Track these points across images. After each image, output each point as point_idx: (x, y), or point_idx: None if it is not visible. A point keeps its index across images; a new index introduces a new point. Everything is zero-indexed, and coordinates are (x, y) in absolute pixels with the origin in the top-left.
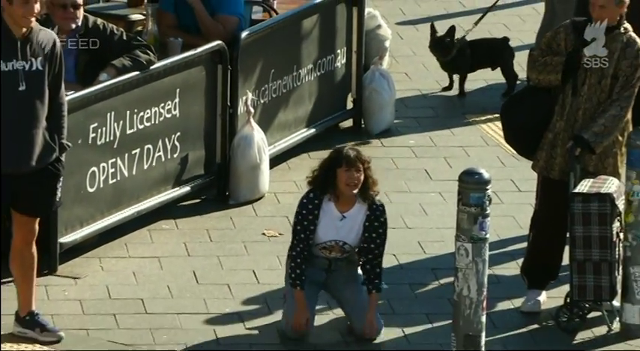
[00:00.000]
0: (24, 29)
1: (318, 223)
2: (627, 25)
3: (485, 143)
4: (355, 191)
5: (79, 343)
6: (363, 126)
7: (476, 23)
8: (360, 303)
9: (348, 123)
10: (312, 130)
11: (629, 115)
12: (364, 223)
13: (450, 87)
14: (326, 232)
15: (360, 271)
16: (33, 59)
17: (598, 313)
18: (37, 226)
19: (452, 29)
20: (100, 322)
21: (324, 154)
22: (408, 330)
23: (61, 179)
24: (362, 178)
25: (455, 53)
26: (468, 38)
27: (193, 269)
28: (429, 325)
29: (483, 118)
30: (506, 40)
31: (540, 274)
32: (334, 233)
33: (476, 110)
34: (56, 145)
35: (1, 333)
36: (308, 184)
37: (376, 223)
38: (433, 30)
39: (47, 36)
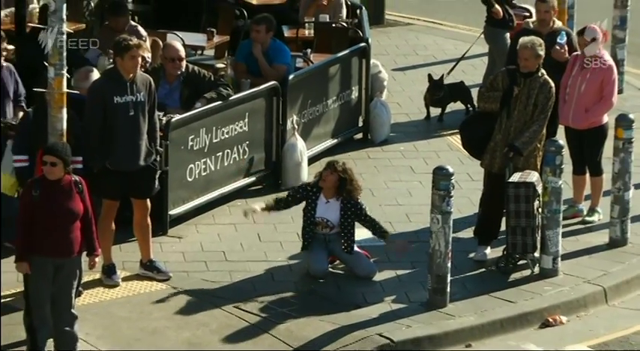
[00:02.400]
0: (131, 75)
1: (317, 206)
2: (543, 70)
3: (450, 149)
4: (324, 185)
5: (182, 281)
6: (369, 137)
7: (449, 72)
8: (356, 260)
9: (359, 135)
10: (335, 140)
11: (544, 131)
12: (341, 210)
13: (428, 117)
14: (318, 210)
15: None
16: (138, 94)
17: (524, 261)
18: (148, 204)
19: (441, 78)
20: (195, 267)
21: (343, 156)
22: (399, 272)
23: (158, 172)
24: (331, 177)
25: (443, 92)
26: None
27: (257, 232)
28: (413, 269)
29: (449, 132)
30: (463, 82)
31: (486, 235)
32: (322, 211)
33: (443, 127)
34: (153, 150)
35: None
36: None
37: (350, 211)
38: (430, 78)
39: (145, 78)
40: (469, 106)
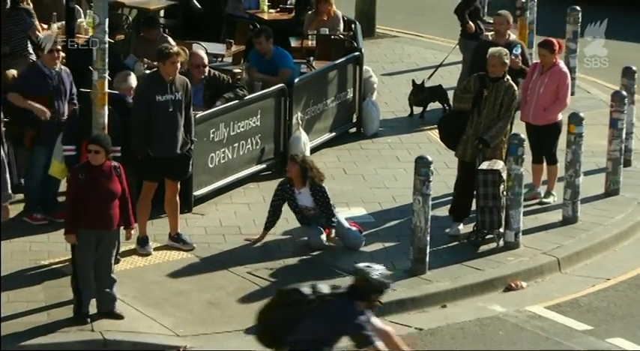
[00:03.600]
0: (170, 77)
1: (295, 199)
2: (508, 76)
3: (429, 141)
4: (291, 175)
5: (204, 251)
6: (362, 131)
7: (429, 77)
8: (345, 233)
9: (353, 130)
10: (333, 133)
11: (509, 127)
12: (311, 195)
13: (411, 115)
14: (299, 200)
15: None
16: (176, 93)
17: (491, 236)
18: (178, 185)
19: (423, 82)
20: (215, 239)
21: (340, 147)
22: (386, 244)
23: (192, 160)
24: (294, 168)
25: (424, 94)
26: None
27: (267, 210)
28: (398, 242)
29: (428, 128)
30: (441, 85)
31: (459, 213)
32: (300, 201)
33: (424, 123)
34: (189, 140)
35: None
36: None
37: (316, 195)
38: (414, 82)
39: (182, 80)
40: (446, 105)
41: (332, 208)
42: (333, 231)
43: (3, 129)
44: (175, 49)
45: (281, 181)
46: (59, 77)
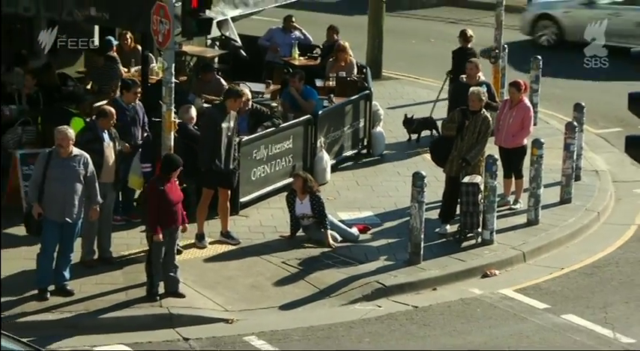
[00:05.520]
0: (233, 111)
1: (295, 206)
2: (484, 110)
3: (423, 160)
4: (296, 188)
5: (247, 245)
6: (371, 152)
7: (431, 111)
8: (340, 232)
9: (364, 151)
10: (348, 153)
11: (485, 149)
12: (310, 202)
13: (410, 140)
14: (298, 209)
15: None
16: (232, 122)
17: (472, 234)
18: (229, 193)
19: (412, 116)
20: (256, 236)
21: (353, 164)
22: (389, 240)
23: (238, 173)
24: (299, 181)
25: (415, 124)
26: (416, 117)
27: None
28: (399, 238)
29: (423, 150)
30: (431, 117)
31: (447, 216)
32: (300, 209)
33: (419, 147)
34: (236, 159)
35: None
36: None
37: (314, 204)
38: (405, 116)
39: (234, 113)
40: (435, 132)
41: (325, 215)
42: (329, 233)
43: None
44: (242, 90)
45: (288, 192)
46: (134, 110)
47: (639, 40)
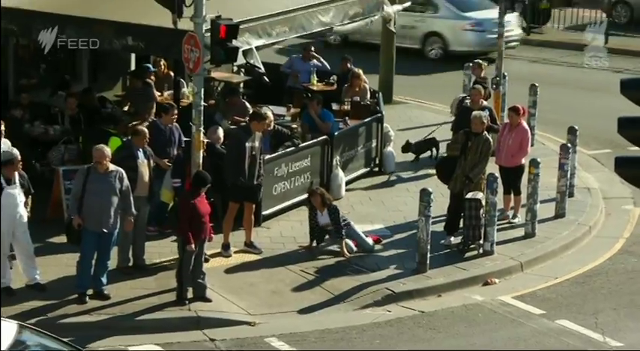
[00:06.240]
0: (257, 132)
1: (317, 218)
2: (486, 132)
3: (430, 178)
4: (316, 204)
5: (269, 254)
6: (382, 170)
7: (433, 131)
8: (359, 241)
9: (376, 169)
10: (361, 171)
11: (486, 168)
12: (329, 214)
13: (417, 159)
14: (321, 220)
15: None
16: (257, 141)
17: (474, 246)
18: (253, 207)
19: (409, 141)
20: (277, 246)
21: (365, 180)
22: (398, 251)
23: (262, 188)
24: (317, 198)
25: (411, 148)
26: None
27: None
28: (408, 249)
29: (430, 168)
30: (435, 138)
31: (451, 229)
32: (322, 220)
33: (427, 165)
34: (261, 175)
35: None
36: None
37: (332, 214)
38: (407, 142)
39: (259, 133)
40: (436, 151)
41: (341, 224)
42: (344, 243)
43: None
44: (266, 113)
45: (309, 208)
46: (170, 131)
47: None
